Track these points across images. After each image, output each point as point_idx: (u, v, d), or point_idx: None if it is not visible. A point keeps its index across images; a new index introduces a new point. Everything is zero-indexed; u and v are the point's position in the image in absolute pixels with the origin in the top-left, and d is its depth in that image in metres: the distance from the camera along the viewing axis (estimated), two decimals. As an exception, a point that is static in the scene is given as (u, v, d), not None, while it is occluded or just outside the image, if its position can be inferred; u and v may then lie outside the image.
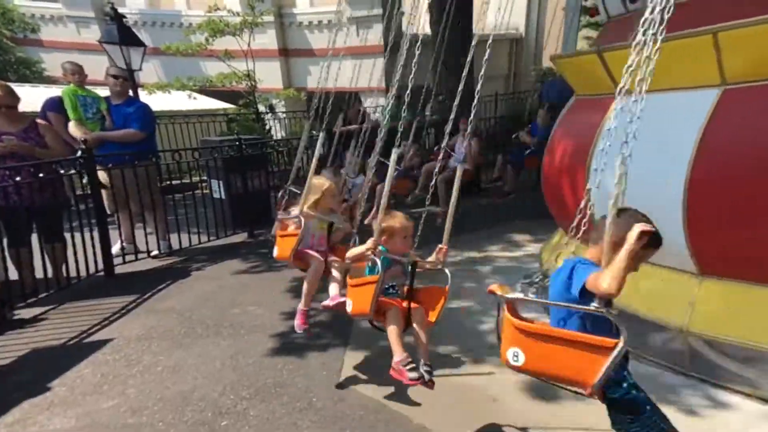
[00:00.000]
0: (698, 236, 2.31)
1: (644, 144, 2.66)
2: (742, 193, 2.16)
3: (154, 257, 4.58)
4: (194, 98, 10.21)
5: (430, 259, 2.22)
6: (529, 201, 5.16)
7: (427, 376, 2.01)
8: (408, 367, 2.00)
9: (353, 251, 2.24)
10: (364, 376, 2.48)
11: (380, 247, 2.15)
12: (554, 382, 1.63)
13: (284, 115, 11.02)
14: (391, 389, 2.35)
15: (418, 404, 2.22)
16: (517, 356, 1.54)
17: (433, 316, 2.15)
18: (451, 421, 2.13)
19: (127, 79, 4.77)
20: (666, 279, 2.54)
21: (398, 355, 2.04)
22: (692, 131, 2.28)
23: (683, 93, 2.43)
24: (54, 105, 4.49)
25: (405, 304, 2.15)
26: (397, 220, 2.23)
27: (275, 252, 2.72)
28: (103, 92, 4.66)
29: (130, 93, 5.35)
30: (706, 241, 2.32)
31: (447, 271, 2.17)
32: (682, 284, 2.46)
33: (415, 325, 2.13)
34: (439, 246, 2.19)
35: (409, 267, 2.18)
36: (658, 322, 2.48)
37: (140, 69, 6.71)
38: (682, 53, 2.35)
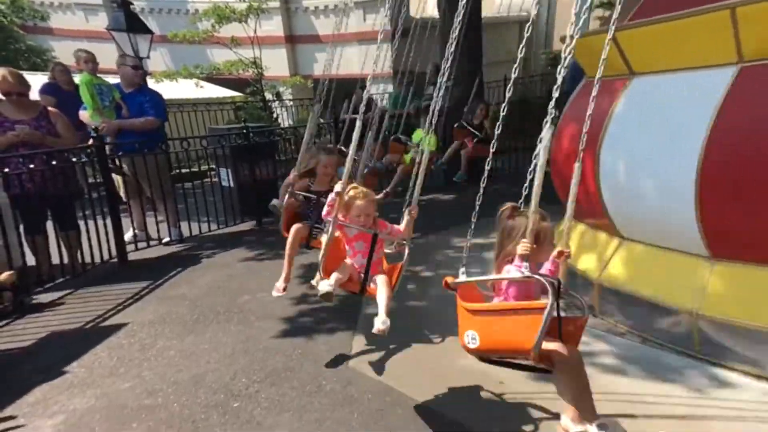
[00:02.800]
0: (710, 219, 2.27)
1: (657, 125, 2.58)
2: (756, 175, 2.11)
3: (166, 244, 4.66)
4: (201, 87, 10.23)
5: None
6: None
7: None
8: None
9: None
10: (372, 361, 2.51)
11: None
12: None
13: (291, 102, 10.99)
14: (398, 373, 2.38)
15: (426, 388, 2.25)
16: None
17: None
18: (459, 404, 2.15)
19: (141, 68, 4.86)
20: (677, 263, 2.51)
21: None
22: (706, 111, 2.22)
23: (698, 72, 2.36)
24: (46, 89, 5.03)
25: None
26: None
27: None
28: (112, 80, 4.69)
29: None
30: (719, 224, 2.28)
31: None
32: (693, 268, 2.43)
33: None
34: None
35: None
36: (666, 306, 2.46)
37: (148, 57, 6.71)
38: (697, 30, 2.28)
